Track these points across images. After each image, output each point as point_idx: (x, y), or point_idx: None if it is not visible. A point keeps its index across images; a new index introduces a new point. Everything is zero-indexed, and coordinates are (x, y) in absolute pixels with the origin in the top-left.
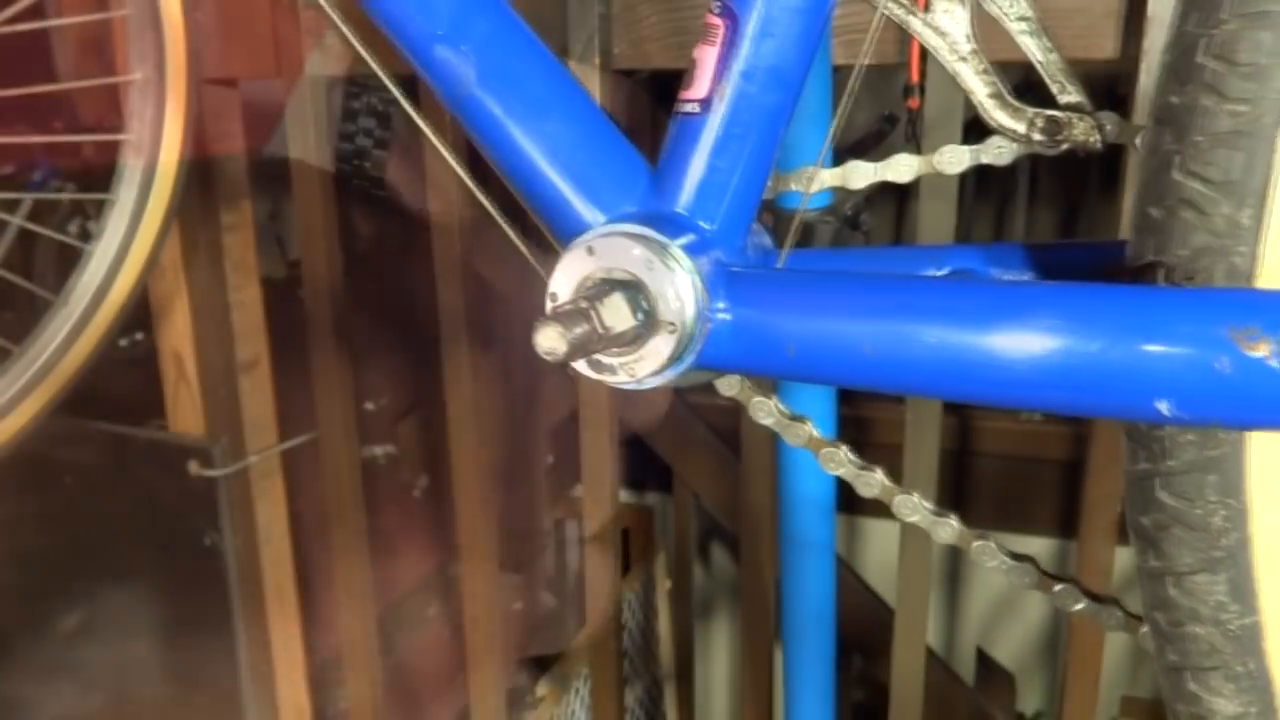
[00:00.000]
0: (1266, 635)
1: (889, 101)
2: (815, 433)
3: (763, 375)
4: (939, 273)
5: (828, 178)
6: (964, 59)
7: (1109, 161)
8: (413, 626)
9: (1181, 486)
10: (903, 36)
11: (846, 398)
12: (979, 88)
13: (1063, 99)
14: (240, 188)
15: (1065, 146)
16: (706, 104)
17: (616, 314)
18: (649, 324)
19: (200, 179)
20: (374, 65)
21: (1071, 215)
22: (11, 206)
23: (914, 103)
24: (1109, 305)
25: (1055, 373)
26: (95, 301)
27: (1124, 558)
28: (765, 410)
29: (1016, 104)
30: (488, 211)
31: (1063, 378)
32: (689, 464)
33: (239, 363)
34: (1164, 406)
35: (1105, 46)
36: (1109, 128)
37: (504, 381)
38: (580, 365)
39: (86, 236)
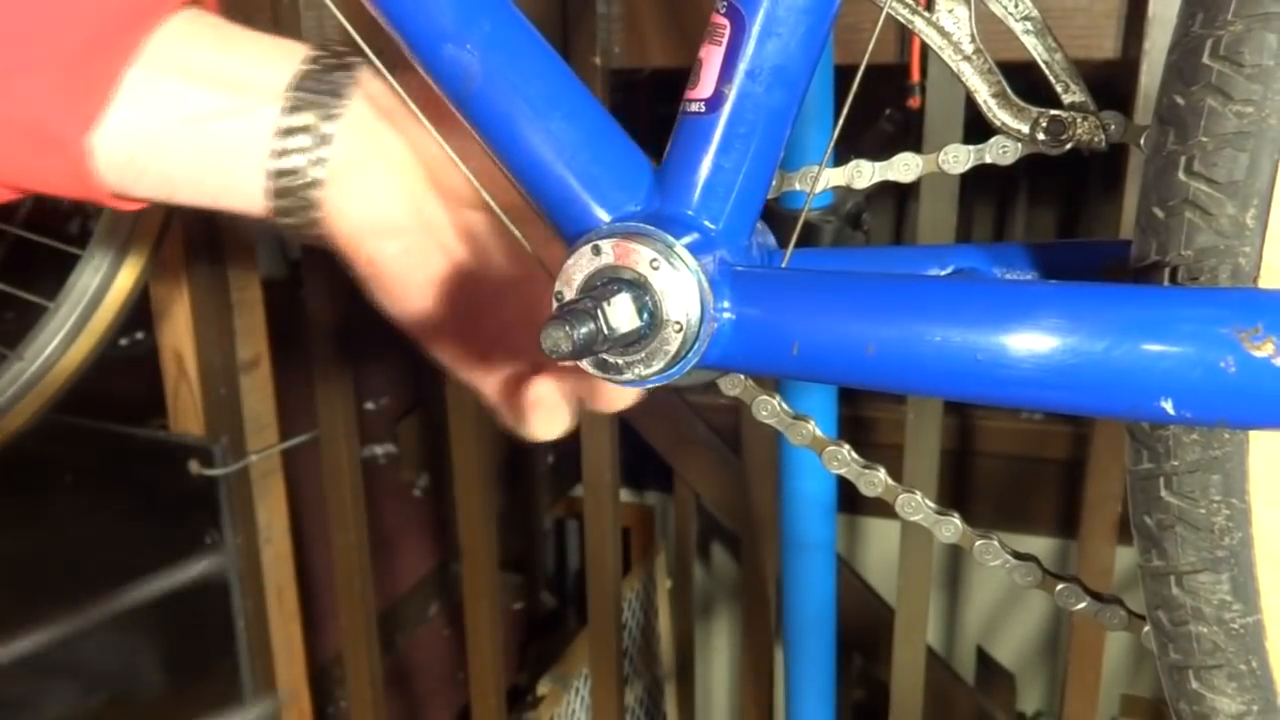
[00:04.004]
0: (1269, 634)
1: (890, 100)
2: (818, 432)
3: (767, 374)
4: (942, 272)
5: (832, 177)
6: (967, 59)
7: (1109, 161)
8: (413, 626)
9: (1185, 486)
10: (903, 36)
11: (846, 398)
12: (982, 87)
13: (1067, 99)
14: None
15: (1069, 146)
16: (711, 104)
17: (622, 313)
18: (654, 323)
19: None
20: (377, 64)
21: (1072, 215)
22: None
23: (914, 102)
24: (1113, 305)
25: (1059, 372)
26: (93, 303)
27: (1124, 557)
28: (768, 409)
29: (1021, 104)
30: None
31: (1066, 377)
32: (689, 464)
33: (239, 362)
34: (1168, 406)
35: (1105, 46)
36: (1113, 127)
37: None
38: (585, 364)
39: (87, 235)
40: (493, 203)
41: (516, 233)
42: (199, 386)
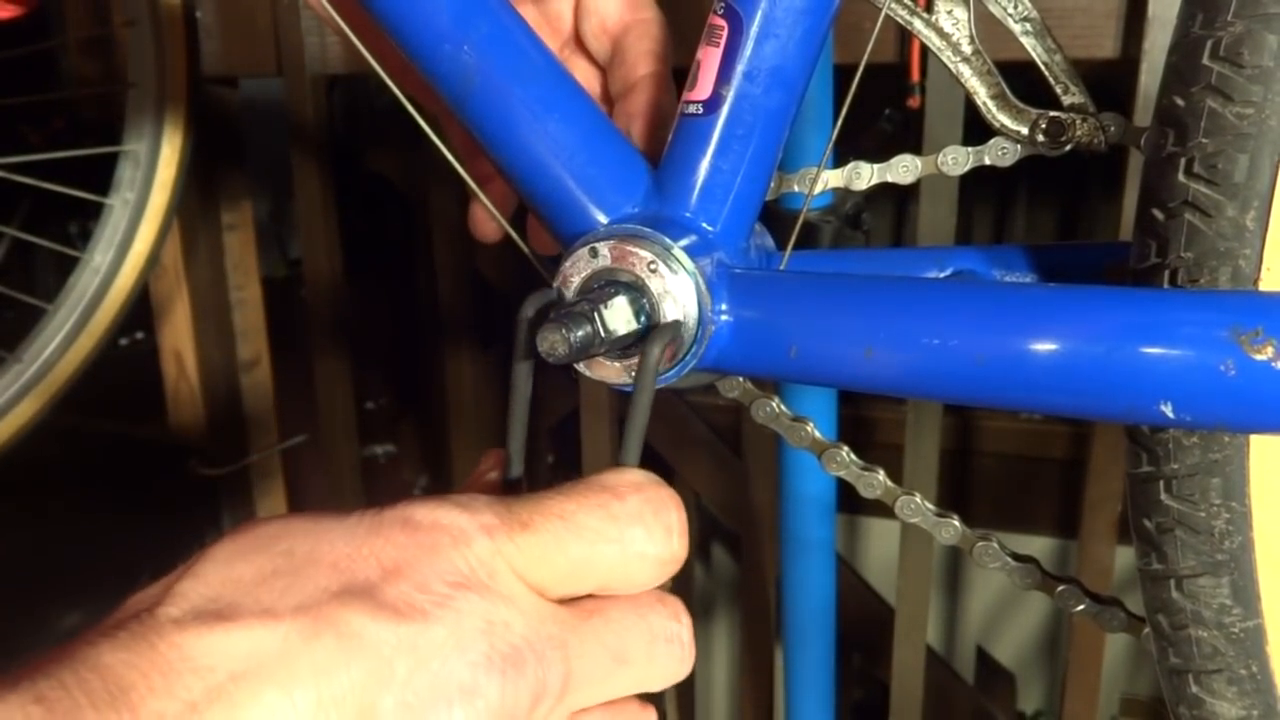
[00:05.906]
0: (1270, 638)
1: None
2: (817, 434)
3: (765, 377)
4: (941, 274)
5: (831, 178)
6: (966, 60)
7: (1109, 162)
8: None
9: (1185, 490)
10: (903, 35)
11: (847, 397)
12: (981, 89)
13: (1066, 100)
14: (240, 188)
15: (1069, 148)
16: (709, 105)
17: (619, 316)
18: (651, 326)
19: (201, 179)
20: (376, 66)
21: (1072, 216)
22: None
23: (914, 102)
24: (1113, 307)
25: (1058, 375)
26: (92, 305)
27: (1124, 557)
28: (767, 411)
29: (1020, 105)
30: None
31: (1066, 380)
32: (689, 464)
33: (239, 362)
34: (1168, 409)
35: (1105, 46)
36: (1112, 129)
37: (504, 380)
38: (582, 366)
39: (86, 236)
40: (491, 206)
41: (512, 231)
42: (199, 387)
